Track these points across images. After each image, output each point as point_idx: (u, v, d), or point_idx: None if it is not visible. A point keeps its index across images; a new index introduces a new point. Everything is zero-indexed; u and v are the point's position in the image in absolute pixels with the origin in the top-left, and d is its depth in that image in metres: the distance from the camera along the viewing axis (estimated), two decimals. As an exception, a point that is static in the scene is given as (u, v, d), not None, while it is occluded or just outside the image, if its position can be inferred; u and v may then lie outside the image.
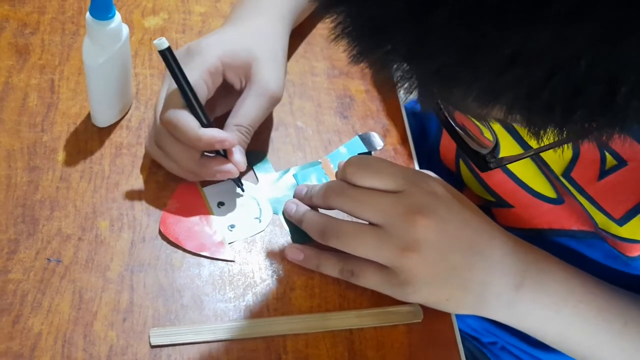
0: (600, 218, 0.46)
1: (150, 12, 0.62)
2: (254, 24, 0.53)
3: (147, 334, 0.43)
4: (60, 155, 0.51)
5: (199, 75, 0.47)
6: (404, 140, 0.58)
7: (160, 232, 0.48)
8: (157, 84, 0.57)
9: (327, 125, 0.58)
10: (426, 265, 0.43)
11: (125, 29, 0.47)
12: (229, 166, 0.48)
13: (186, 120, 0.46)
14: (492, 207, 0.54)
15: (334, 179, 0.52)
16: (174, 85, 0.47)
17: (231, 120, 0.49)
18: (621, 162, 0.43)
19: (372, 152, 0.57)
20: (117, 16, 0.45)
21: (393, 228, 0.43)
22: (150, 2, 0.63)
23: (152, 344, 0.43)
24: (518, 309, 0.46)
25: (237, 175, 0.49)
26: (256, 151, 0.54)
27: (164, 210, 0.49)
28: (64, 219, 0.48)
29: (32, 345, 0.42)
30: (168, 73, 0.47)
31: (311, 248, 0.48)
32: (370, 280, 0.46)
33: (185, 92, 0.46)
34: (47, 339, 0.42)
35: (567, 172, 0.46)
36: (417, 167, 0.57)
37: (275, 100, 0.51)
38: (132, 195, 0.50)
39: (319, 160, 0.55)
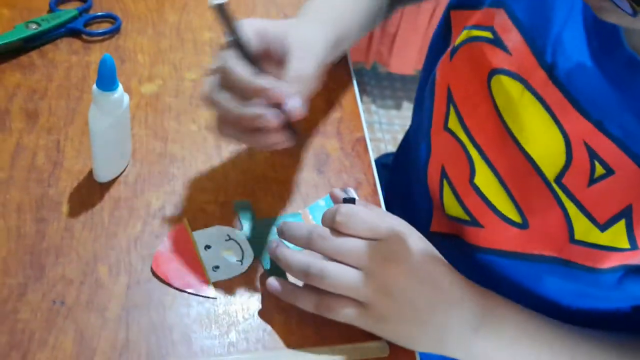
0: (581, 226, 0.50)
1: (147, 79, 0.69)
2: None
3: (141, 367, 0.48)
4: (65, 208, 0.57)
5: (246, 32, 0.50)
6: (374, 193, 0.65)
7: (151, 270, 0.54)
8: (152, 143, 0.63)
9: (305, 179, 0.64)
10: (395, 306, 0.49)
11: (126, 98, 0.54)
12: (273, 112, 0.49)
13: (241, 67, 0.49)
14: (466, 225, 0.59)
15: None
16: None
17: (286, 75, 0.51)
18: (609, 171, 0.48)
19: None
20: (120, 87, 0.52)
21: (370, 272, 0.49)
22: (146, 70, 0.70)
23: (146, 376, 0.48)
24: (476, 350, 0.51)
25: (274, 123, 0.50)
26: (242, 201, 0.60)
27: (157, 250, 0.55)
28: (68, 265, 0.53)
29: (38, 378, 0.47)
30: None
31: (290, 283, 0.53)
32: (346, 315, 0.50)
33: (240, 45, 0.49)
34: (51, 372, 0.47)
35: (559, 178, 0.51)
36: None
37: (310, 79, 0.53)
38: (128, 244, 0.55)
39: (299, 212, 0.61)
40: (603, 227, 0.49)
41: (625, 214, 0.48)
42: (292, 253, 0.52)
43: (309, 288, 0.52)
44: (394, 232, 0.51)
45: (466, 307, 0.51)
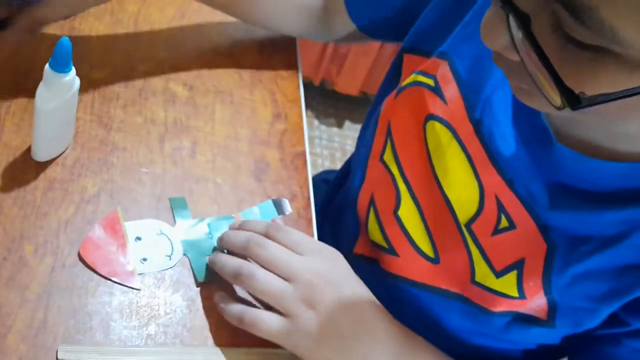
0: (481, 270, 0.55)
1: (98, 65, 0.69)
2: None
3: (55, 350, 0.48)
4: (-3, 182, 0.56)
5: None
6: (307, 206, 0.67)
7: (79, 255, 0.54)
8: (95, 129, 0.64)
9: (242, 185, 0.66)
10: (318, 323, 0.51)
11: (77, 81, 0.54)
12: None
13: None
14: (384, 252, 0.62)
15: None
16: None
17: None
18: (512, 226, 0.53)
19: (281, 216, 0.65)
20: (73, 70, 0.52)
21: (298, 284, 0.52)
22: (99, 56, 0.70)
23: (59, 358, 0.48)
24: None
25: None
26: (178, 198, 0.62)
27: (87, 236, 0.55)
28: (-7, 239, 0.53)
29: (-53, 350, 0.46)
30: None
31: (223, 294, 0.55)
32: (269, 325, 0.51)
33: None
34: (-38, 345, 0.47)
35: (469, 224, 0.56)
36: (315, 230, 0.66)
37: None
38: (58, 226, 0.55)
39: (233, 215, 0.63)
40: (498, 274, 0.54)
41: (518, 266, 0.53)
42: (228, 257, 0.55)
43: (237, 301, 0.53)
44: (325, 251, 0.55)
45: (388, 344, 0.53)
